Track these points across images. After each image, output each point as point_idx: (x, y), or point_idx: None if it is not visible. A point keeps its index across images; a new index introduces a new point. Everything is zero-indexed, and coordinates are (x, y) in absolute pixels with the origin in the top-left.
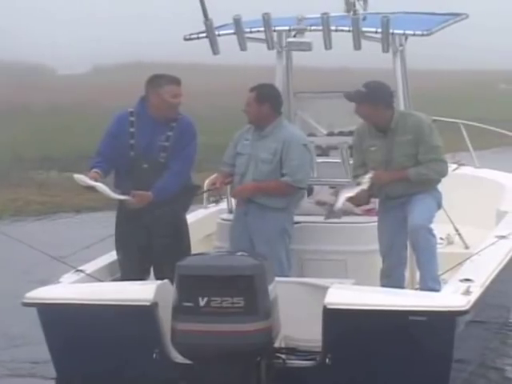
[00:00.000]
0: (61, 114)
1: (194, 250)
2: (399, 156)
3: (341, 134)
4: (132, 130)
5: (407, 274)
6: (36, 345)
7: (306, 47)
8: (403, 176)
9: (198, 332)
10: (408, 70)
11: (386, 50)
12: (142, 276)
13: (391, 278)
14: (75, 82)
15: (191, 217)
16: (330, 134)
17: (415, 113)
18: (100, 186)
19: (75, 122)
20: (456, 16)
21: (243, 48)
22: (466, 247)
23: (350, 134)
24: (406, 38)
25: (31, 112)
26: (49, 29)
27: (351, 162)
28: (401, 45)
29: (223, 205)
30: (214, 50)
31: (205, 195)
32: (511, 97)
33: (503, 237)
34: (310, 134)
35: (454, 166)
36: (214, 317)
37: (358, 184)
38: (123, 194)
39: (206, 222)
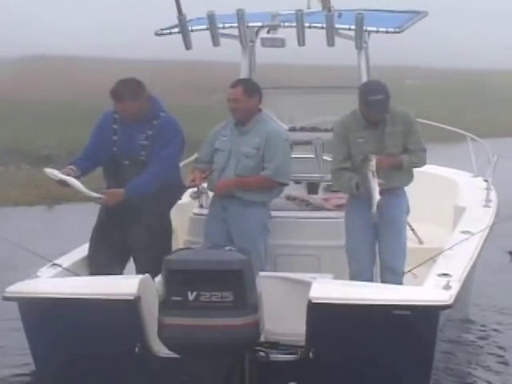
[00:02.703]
0: None
1: None
2: (391, 146)
3: (303, 129)
4: (115, 126)
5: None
6: None
7: (280, 43)
8: (399, 162)
9: (186, 326)
10: (309, 66)
11: (359, 46)
12: (111, 271)
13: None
14: None
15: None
16: (292, 130)
17: (396, 105)
18: (72, 180)
19: None
20: (418, 14)
21: (216, 43)
22: (420, 242)
23: (313, 130)
24: (369, 35)
25: None
26: None
27: (324, 157)
28: (365, 42)
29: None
30: (187, 45)
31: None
32: (416, 92)
33: (469, 232)
34: None
35: None
36: (203, 311)
37: (370, 171)
38: (101, 191)
39: None
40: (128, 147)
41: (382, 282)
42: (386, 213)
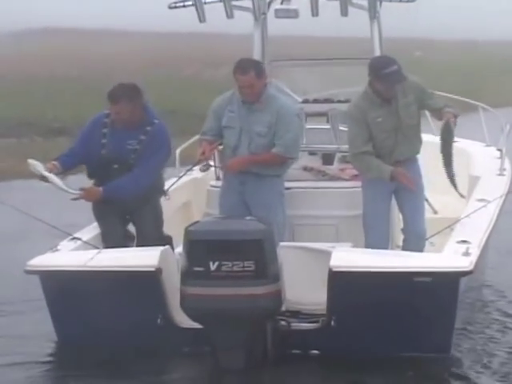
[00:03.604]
0: None
1: (172, 219)
2: (407, 118)
3: (316, 101)
4: (105, 130)
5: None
6: None
7: (293, 14)
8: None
9: (209, 296)
10: (316, 38)
11: (372, 16)
12: (124, 243)
13: None
14: None
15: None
16: (305, 102)
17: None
18: (52, 177)
19: None
20: None
21: (230, 16)
22: (435, 212)
23: (326, 101)
24: (381, 4)
25: None
26: None
27: (340, 128)
28: (377, 11)
29: (196, 173)
30: (201, 18)
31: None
32: (426, 63)
33: (485, 200)
34: None
35: None
36: (225, 281)
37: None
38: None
39: (181, 191)
40: (118, 151)
41: (407, 246)
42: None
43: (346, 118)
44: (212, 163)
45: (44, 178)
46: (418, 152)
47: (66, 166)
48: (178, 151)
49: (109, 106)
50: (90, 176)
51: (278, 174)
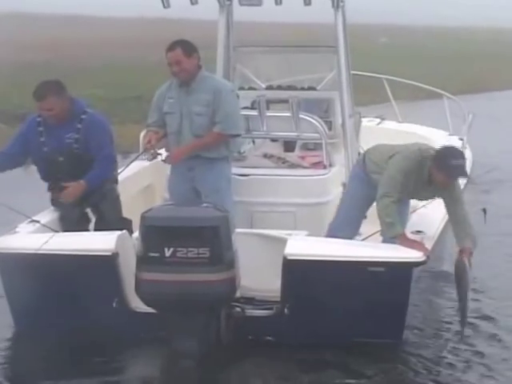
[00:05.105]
0: None
1: (135, 203)
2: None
3: (279, 88)
4: (40, 128)
5: None
6: None
7: (257, 2)
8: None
9: (163, 282)
10: (275, 23)
11: (336, 5)
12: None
13: None
14: None
15: (127, 171)
16: (269, 88)
17: None
18: None
19: None
20: None
21: (194, 2)
22: None
23: (289, 88)
24: None
25: None
26: None
27: (300, 115)
28: (342, 0)
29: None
30: (165, 3)
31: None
32: (392, 50)
33: None
34: (250, 88)
35: (377, 120)
36: (180, 267)
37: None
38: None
39: (143, 175)
40: (59, 145)
41: None
42: None
43: (397, 173)
44: (160, 152)
45: None
46: None
47: (2, 167)
48: (141, 136)
49: (37, 105)
50: (42, 176)
51: (225, 157)
